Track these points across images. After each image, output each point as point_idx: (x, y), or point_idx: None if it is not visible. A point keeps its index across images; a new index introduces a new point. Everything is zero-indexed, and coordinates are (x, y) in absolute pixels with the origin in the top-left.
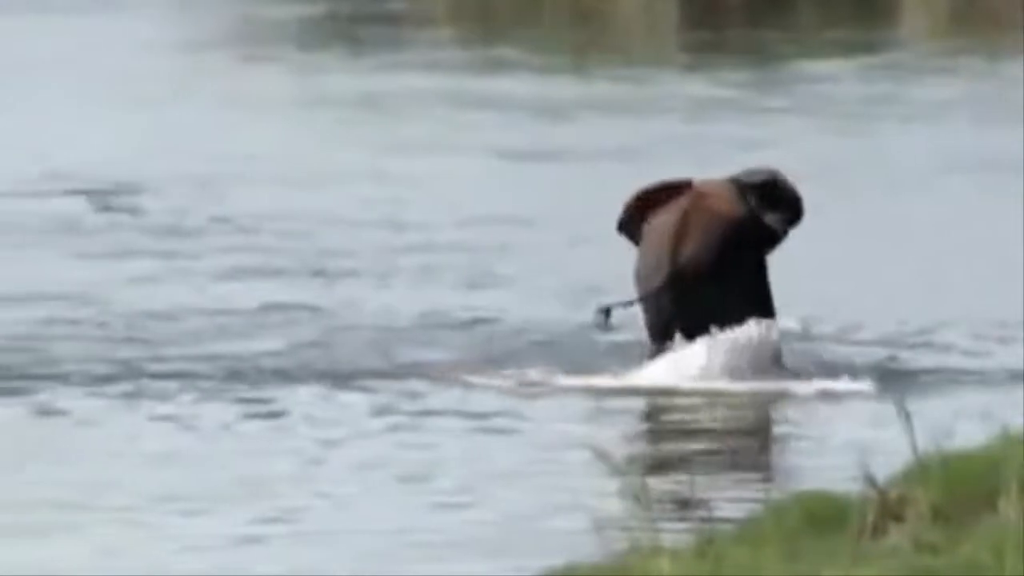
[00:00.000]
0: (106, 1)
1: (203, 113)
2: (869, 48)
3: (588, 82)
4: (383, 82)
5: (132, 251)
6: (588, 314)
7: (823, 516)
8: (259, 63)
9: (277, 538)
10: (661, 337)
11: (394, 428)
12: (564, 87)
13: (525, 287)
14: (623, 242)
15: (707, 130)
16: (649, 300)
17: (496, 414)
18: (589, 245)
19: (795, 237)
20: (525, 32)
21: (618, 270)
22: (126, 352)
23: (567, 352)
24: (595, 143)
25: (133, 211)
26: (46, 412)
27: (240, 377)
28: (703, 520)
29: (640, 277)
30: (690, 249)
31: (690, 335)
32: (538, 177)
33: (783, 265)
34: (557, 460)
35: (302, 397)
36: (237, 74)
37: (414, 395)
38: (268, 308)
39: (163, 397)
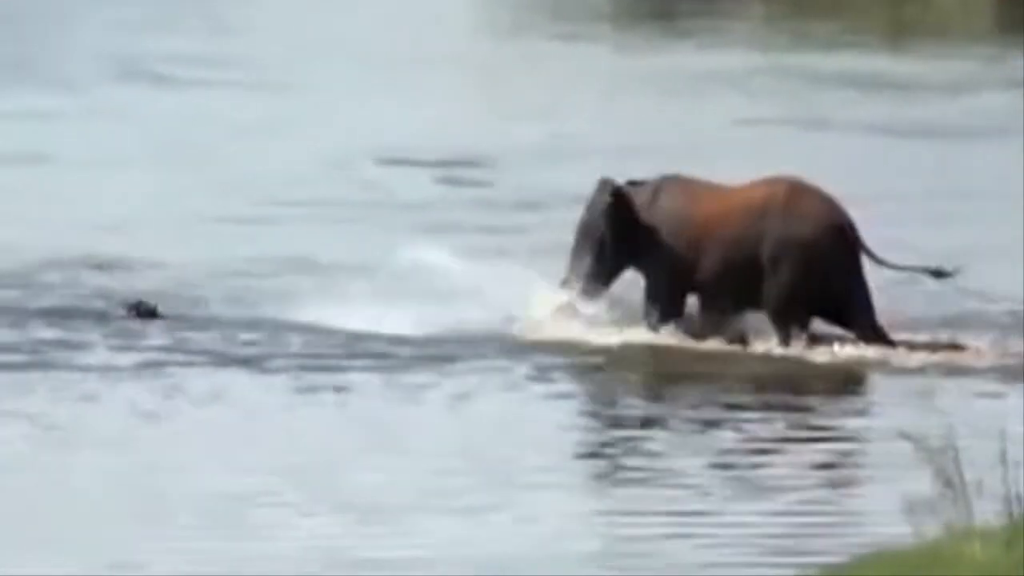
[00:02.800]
0: None
1: (534, 90)
2: None
3: (910, 58)
4: (705, 59)
5: (477, 225)
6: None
7: None
8: (576, 41)
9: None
10: None
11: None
12: (883, 63)
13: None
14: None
15: None
16: None
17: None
18: (943, 223)
19: None
20: (836, 9)
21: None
22: (466, 327)
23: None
24: (934, 119)
25: (477, 184)
26: (390, 387)
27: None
28: (1015, 505)
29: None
30: None
31: None
32: (890, 153)
33: None
34: (872, 443)
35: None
36: (556, 52)
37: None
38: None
39: (502, 371)
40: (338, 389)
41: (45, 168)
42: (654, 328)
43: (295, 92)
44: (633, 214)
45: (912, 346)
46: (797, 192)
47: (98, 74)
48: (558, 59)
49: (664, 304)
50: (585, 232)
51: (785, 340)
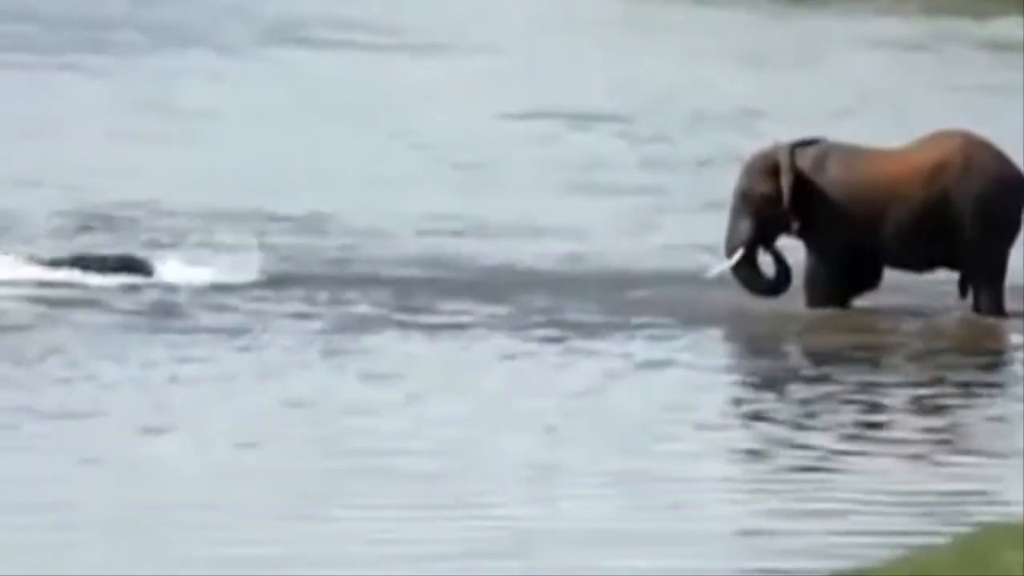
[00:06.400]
0: None
1: (688, 52)
2: None
3: None
4: (853, 25)
5: (650, 183)
6: None
7: None
8: (705, 6)
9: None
10: None
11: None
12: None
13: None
14: None
15: None
16: None
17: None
18: None
19: None
20: None
21: None
22: (615, 296)
23: None
24: None
25: (651, 142)
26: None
27: (732, 314)
28: None
29: None
30: None
31: None
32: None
33: None
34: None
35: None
36: (689, 15)
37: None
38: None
39: (650, 338)
40: (508, 356)
41: (216, 124)
42: (816, 299)
43: (455, 54)
44: (801, 178)
45: None
46: (973, 147)
47: (262, 38)
48: (695, 23)
49: (832, 273)
50: (743, 198)
51: (991, 305)
